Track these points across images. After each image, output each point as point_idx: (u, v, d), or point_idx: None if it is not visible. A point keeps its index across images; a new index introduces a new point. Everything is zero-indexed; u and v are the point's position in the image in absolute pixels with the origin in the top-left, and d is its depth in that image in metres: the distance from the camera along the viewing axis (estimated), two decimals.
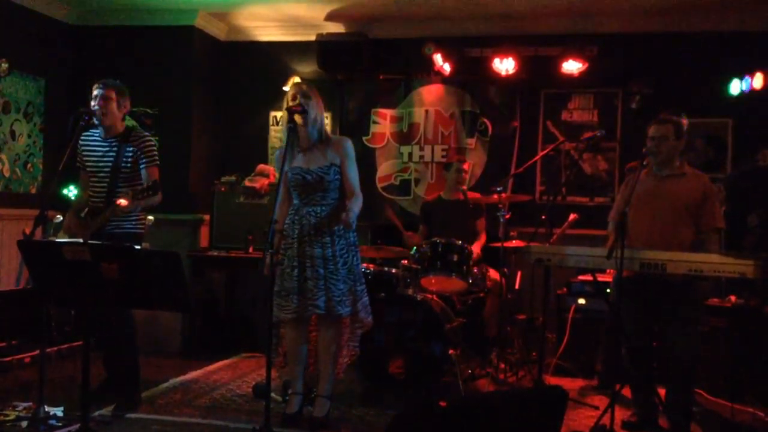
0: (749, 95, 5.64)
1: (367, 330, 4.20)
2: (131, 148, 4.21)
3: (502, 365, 5.10)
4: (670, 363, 4.00)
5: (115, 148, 4.20)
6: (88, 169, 4.29)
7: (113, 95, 4.20)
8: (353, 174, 4.01)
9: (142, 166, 4.21)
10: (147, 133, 4.39)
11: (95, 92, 4.20)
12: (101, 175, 4.22)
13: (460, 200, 5.51)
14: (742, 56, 5.78)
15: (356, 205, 3.89)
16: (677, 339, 3.95)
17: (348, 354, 4.15)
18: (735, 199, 5.33)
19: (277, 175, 6.12)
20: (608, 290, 4.77)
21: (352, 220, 3.81)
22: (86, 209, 4.18)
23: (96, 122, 4.23)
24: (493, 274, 5.29)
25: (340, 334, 4.06)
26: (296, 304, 3.93)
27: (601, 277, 5.07)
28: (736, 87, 5.67)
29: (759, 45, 5.79)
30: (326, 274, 3.92)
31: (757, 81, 5.54)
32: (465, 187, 5.71)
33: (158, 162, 4.29)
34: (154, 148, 4.29)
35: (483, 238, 5.55)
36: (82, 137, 4.27)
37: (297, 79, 6.46)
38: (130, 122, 4.87)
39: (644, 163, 4.09)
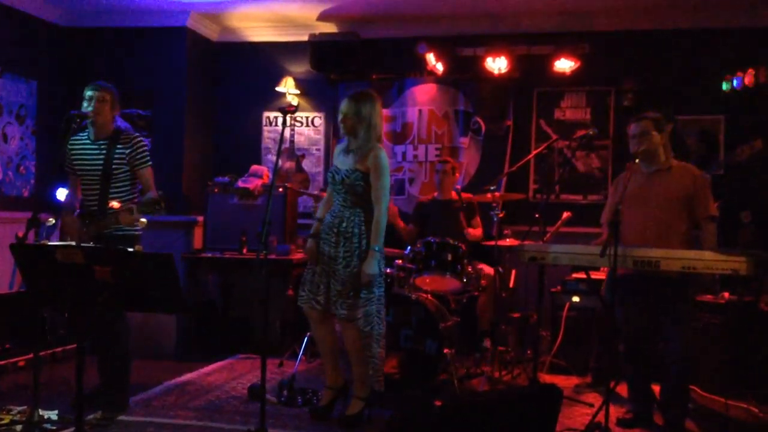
0: (741, 92, 5.65)
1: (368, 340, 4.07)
2: (121, 150, 4.16)
3: (497, 364, 5.10)
4: (665, 360, 4.01)
5: (104, 151, 4.15)
6: (78, 172, 4.25)
7: (108, 97, 4.16)
8: (378, 184, 4.00)
9: (136, 168, 4.20)
10: (137, 134, 4.35)
11: (89, 93, 4.14)
12: (92, 178, 4.17)
13: (453, 200, 5.52)
14: (733, 53, 5.80)
15: (376, 234, 3.96)
16: (672, 336, 3.96)
17: (368, 361, 4.05)
18: (727, 195, 5.34)
19: (270, 176, 6.15)
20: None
21: (369, 273, 3.91)
22: (80, 212, 4.15)
23: (87, 124, 4.19)
24: (487, 270, 5.30)
25: (360, 335, 4.02)
26: (305, 294, 4.12)
27: (594, 275, 5.07)
28: (729, 83, 5.67)
29: (750, 42, 5.81)
30: (328, 272, 4.05)
31: (749, 78, 5.56)
32: (459, 187, 5.72)
33: (151, 163, 4.28)
34: (146, 148, 4.27)
35: (480, 231, 5.58)
36: (71, 141, 4.22)
37: (291, 80, 6.46)
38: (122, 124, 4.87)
39: (636, 162, 4.10)
